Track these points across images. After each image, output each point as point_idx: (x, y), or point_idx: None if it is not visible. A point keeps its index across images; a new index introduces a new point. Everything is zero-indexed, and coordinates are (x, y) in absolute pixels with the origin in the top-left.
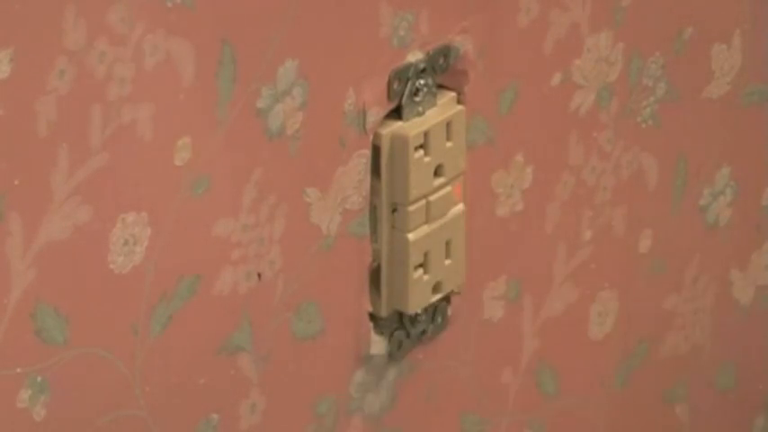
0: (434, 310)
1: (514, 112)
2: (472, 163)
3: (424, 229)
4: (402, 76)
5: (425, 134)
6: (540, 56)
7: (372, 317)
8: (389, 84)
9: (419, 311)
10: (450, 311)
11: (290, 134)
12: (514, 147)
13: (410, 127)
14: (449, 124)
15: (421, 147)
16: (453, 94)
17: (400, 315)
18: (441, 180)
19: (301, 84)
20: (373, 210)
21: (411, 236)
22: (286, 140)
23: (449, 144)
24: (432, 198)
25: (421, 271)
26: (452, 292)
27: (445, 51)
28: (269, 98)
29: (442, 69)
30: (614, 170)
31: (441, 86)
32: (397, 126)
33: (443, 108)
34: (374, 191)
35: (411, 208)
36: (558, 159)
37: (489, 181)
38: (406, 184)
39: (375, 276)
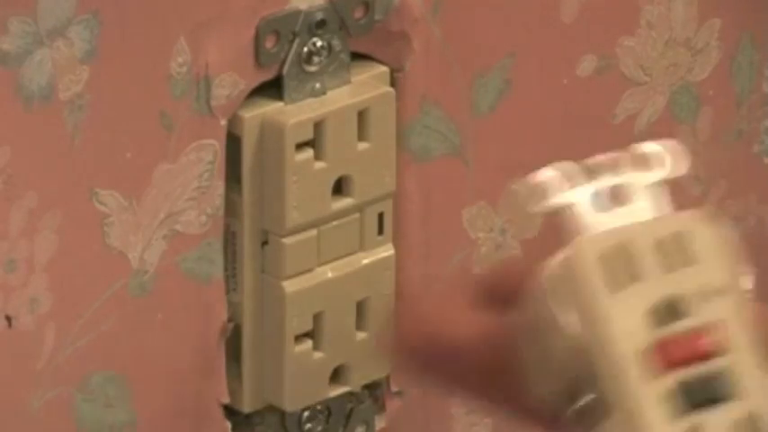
0: (347, 417)
1: (504, 111)
2: (419, 184)
3: (315, 276)
4: (283, 28)
5: (318, 125)
6: (554, 23)
7: (230, 413)
8: (258, 38)
9: (316, 410)
10: (381, 423)
11: (66, 100)
12: (506, 167)
13: (293, 111)
14: (364, 114)
15: (310, 144)
16: (384, 68)
17: (281, 415)
18: (346, 201)
19: (86, 20)
20: (230, 238)
21: (289, 285)
22: (58, 109)
23: (362, 146)
24: (328, 228)
25: (309, 344)
26: (386, 390)
27: None
28: (24, 37)
29: (360, 27)
30: None
31: (361, 55)
32: (271, 108)
33: (360, 88)
34: (231, 208)
35: (290, 240)
36: None
37: (457, 218)
38: (281, 201)
39: (233, 347)
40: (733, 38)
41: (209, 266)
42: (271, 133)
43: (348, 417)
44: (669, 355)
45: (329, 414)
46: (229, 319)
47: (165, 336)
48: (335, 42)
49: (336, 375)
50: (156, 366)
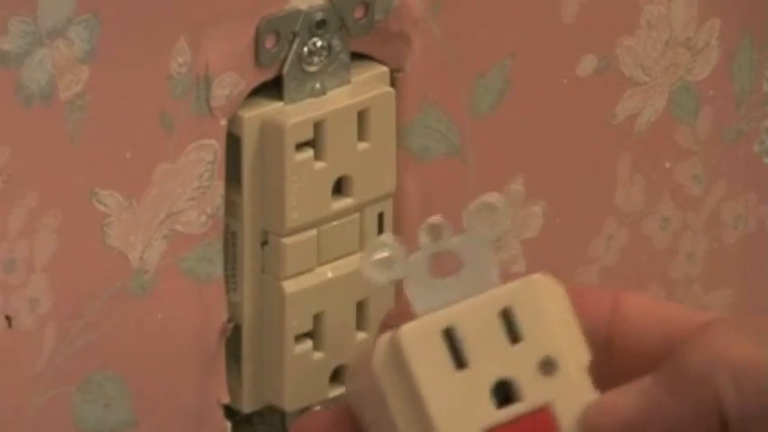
0: None
1: (504, 111)
2: (419, 184)
3: (315, 276)
4: (283, 28)
5: (318, 125)
6: (554, 22)
7: (230, 413)
8: (258, 38)
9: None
10: None
11: (66, 100)
12: (506, 167)
13: (293, 111)
14: (363, 114)
15: (310, 144)
16: (384, 68)
17: (281, 415)
18: (346, 201)
19: (86, 20)
20: (230, 238)
21: (289, 285)
22: (58, 109)
23: (362, 146)
24: (328, 228)
25: (309, 344)
26: None
27: None
28: (24, 37)
29: (360, 27)
30: (708, 228)
31: (361, 55)
32: (271, 108)
33: (360, 88)
34: (231, 208)
35: (290, 240)
36: (592, 198)
37: (457, 218)
38: (281, 201)
39: (233, 347)
40: (733, 38)
41: (209, 266)
42: (271, 133)
43: None
44: None
45: None
46: (229, 319)
47: (165, 336)
48: (335, 42)
49: (336, 375)
50: (156, 366)
